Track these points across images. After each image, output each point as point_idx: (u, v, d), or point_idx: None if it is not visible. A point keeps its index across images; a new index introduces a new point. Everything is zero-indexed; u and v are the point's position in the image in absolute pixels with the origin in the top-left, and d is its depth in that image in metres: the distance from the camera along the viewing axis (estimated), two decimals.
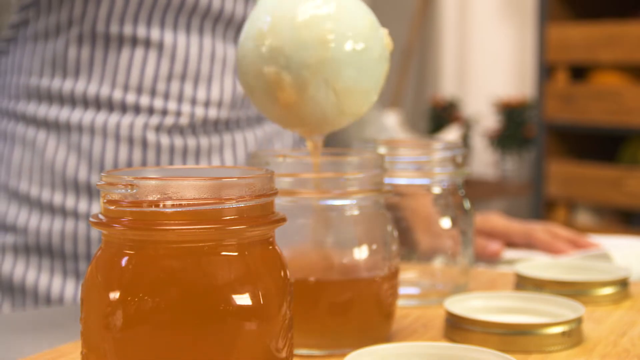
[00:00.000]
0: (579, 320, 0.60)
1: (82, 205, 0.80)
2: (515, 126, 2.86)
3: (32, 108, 0.82)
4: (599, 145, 2.63)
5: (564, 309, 0.62)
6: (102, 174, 0.46)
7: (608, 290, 0.71)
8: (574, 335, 0.59)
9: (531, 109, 2.82)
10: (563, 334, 0.58)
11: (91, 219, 0.46)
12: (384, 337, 0.60)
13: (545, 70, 2.55)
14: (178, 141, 0.81)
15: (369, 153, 0.62)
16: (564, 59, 2.51)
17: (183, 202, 0.44)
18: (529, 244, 0.92)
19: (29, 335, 0.68)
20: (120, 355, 0.44)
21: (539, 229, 0.92)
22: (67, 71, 0.81)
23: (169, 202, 0.44)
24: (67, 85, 0.81)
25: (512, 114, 2.88)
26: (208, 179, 0.44)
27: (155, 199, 0.44)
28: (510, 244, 0.93)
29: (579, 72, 2.55)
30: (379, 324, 0.60)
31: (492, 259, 0.90)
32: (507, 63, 3.10)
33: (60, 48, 0.81)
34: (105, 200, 0.45)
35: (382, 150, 0.71)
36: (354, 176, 0.58)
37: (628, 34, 2.37)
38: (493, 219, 0.94)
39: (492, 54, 3.12)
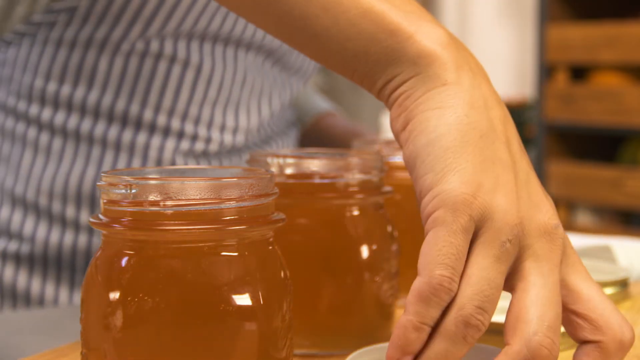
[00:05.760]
0: None
1: None
2: (515, 126, 2.86)
3: (47, 113, 0.78)
4: (599, 145, 2.63)
5: None
6: (102, 174, 0.46)
7: (608, 291, 0.71)
8: None
9: (531, 109, 2.82)
10: (563, 334, 0.58)
11: (91, 219, 0.46)
12: (384, 337, 0.60)
13: (545, 71, 2.55)
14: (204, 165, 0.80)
15: (369, 153, 0.62)
16: (564, 59, 2.51)
17: (183, 202, 0.44)
18: None
19: (29, 335, 0.68)
20: (120, 355, 0.44)
21: None
22: (94, 82, 0.77)
23: (169, 202, 0.44)
24: (93, 96, 0.77)
25: (512, 114, 2.82)
26: (208, 179, 0.44)
27: (155, 199, 0.44)
28: None
29: (579, 73, 2.55)
30: (379, 324, 0.60)
31: None
32: (507, 63, 3.10)
33: (91, 59, 0.77)
34: (105, 201, 0.45)
35: (382, 150, 0.71)
36: (353, 176, 0.58)
37: (628, 34, 2.37)
38: None
39: (492, 54, 3.12)
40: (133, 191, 0.44)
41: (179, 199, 0.44)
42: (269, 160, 0.58)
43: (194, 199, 0.44)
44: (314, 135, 1.05)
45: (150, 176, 0.47)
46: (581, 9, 2.59)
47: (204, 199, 0.44)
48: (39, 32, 0.79)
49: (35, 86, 0.79)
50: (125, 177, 0.45)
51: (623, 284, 0.72)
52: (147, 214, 0.44)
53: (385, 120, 2.77)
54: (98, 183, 0.46)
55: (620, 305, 0.70)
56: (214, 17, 0.77)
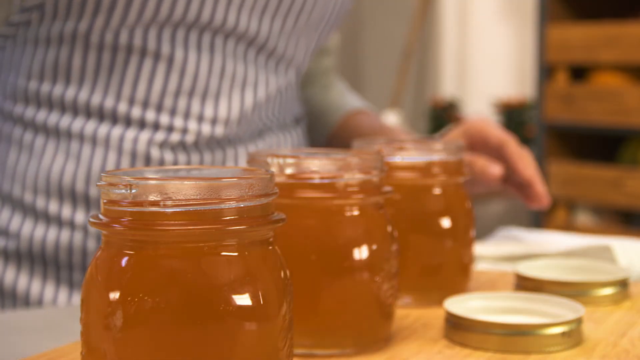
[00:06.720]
0: (579, 321, 0.60)
1: (79, 216, 0.79)
2: (515, 126, 2.86)
3: (31, 112, 0.80)
4: (599, 145, 2.63)
5: (564, 310, 0.62)
6: (103, 174, 0.46)
7: (608, 291, 0.71)
8: (573, 335, 0.59)
9: (531, 110, 2.82)
10: (563, 334, 0.58)
11: (91, 219, 0.46)
12: (384, 337, 0.60)
13: (545, 71, 2.55)
14: (182, 158, 0.80)
15: (369, 153, 0.62)
16: (564, 59, 2.51)
17: (183, 202, 0.44)
18: (499, 156, 0.91)
19: (29, 335, 0.68)
20: (120, 356, 0.44)
21: (513, 146, 0.92)
22: (71, 78, 0.79)
23: (169, 202, 0.44)
24: (70, 92, 0.79)
25: (512, 115, 2.88)
26: (208, 179, 0.44)
27: (155, 199, 0.44)
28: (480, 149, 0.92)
29: (579, 73, 2.55)
30: (379, 324, 0.60)
31: (490, 183, 0.89)
32: (507, 63, 3.10)
33: (64, 55, 0.79)
34: (105, 201, 0.45)
35: (382, 150, 0.71)
36: (353, 176, 0.58)
37: (628, 34, 2.37)
38: (481, 124, 0.93)
39: (492, 54, 3.12)
40: (133, 191, 0.44)
41: (179, 199, 0.44)
42: (269, 160, 0.58)
43: (194, 199, 0.44)
44: (342, 134, 1.04)
45: (150, 176, 0.47)
46: (581, 9, 2.59)
47: (204, 199, 0.44)
48: (17, 33, 0.81)
49: (18, 86, 0.81)
50: (125, 177, 0.45)
51: (623, 284, 0.72)
52: (147, 214, 0.44)
53: (386, 119, 2.77)
54: (98, 183, 0.46)
55: (620, 305, 0.70)
56: (176, 3, 0.77)
